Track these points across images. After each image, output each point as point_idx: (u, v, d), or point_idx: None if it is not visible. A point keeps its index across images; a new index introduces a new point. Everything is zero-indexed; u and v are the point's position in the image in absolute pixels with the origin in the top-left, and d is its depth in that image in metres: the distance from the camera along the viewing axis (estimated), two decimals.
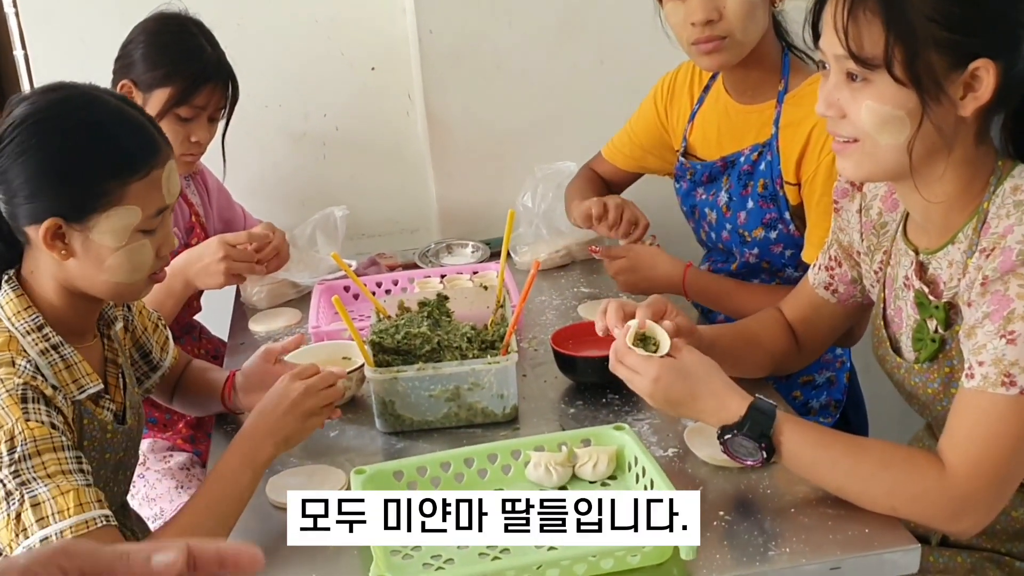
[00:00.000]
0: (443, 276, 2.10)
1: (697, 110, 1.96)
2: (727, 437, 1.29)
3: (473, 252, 2.35)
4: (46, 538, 1.16)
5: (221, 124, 2.05)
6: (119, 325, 1.47)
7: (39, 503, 1.17)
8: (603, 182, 2.18)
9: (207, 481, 1.33)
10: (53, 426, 1.21)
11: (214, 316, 2.30)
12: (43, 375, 1.26)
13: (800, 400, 1.91)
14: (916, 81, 1.19)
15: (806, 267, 1.66)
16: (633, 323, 1.37)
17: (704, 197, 1.93)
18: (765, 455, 1.28)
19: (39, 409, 1.21)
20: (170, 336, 1.63)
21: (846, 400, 1.96)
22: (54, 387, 1.27)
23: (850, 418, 1.97)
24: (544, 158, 2.37)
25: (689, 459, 1.42)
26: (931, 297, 1.31)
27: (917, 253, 1.35)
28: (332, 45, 2.52)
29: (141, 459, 1.92)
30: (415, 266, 2.30)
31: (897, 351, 1.41)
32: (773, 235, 1.82)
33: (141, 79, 1.90)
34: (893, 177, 1.28)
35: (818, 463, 1.27)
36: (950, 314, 1.29)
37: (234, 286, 2.11)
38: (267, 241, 1.96)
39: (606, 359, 1.45)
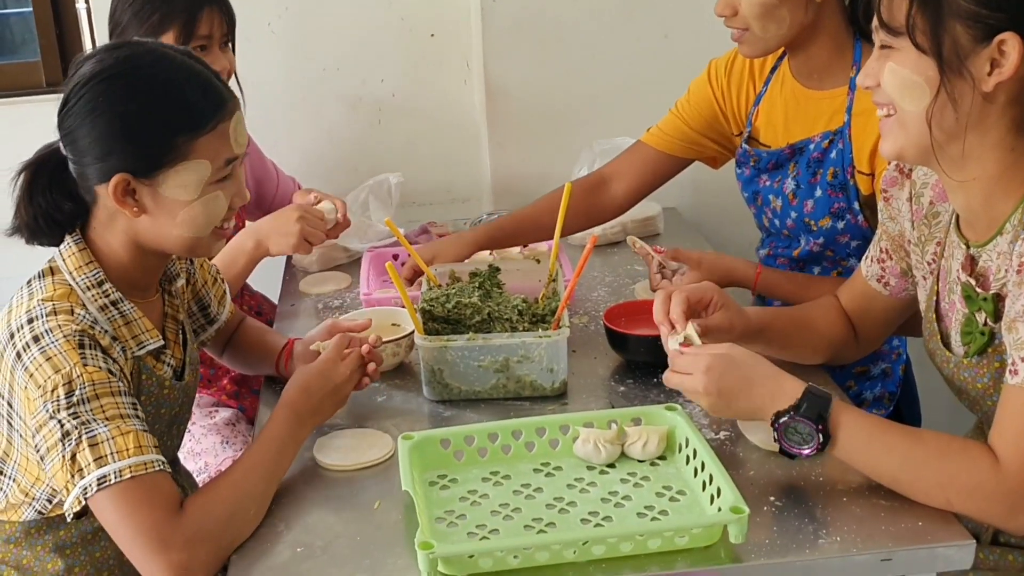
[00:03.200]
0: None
1: (763, 94, 1.91)
2: (783, 420, 1.26)
3: None
4: (104, 476, 1.17)
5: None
6: (180, 281, 1.48)
7: (97, 443, 1.18)
8: (600, 191, 2.03)
9: (256, 443, 1.34)
10: (111, 372, 1.22)
11: (264, 277, 2.30)
12: (102, 327, 1.27)
13: (854, 391, 1.87)
14: (937, 50, 1.19)
15: None
16: (682, 333, 1.37)
17: (769, 184, 1.89)
18: (822, 439, 1.25)
19: (96, 355, 1.22)
20: (228, 290, 1.64)
21: (900, 393, 1.92)
22: (113, 338, 1.27)
23: (903, 412, 1.93)
24: (602, 133, 2.35)
25: (741, 443, 1.40)
26: (979, 290, 1.28)
27: (968, 247, 1.32)
28: (392, 10, 2.51)
29: None
30: None
31: (947, 345, 1.37)
32: (840, 225, 1.78)
33: (142, 36, 1.88)
34: (922, 152, 1.26)
35: (873, 450, 1.24)
36: (999, 306, 1.26)
37: None
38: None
39: (659, 338, 1.44)
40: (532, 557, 1.16)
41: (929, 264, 1.43)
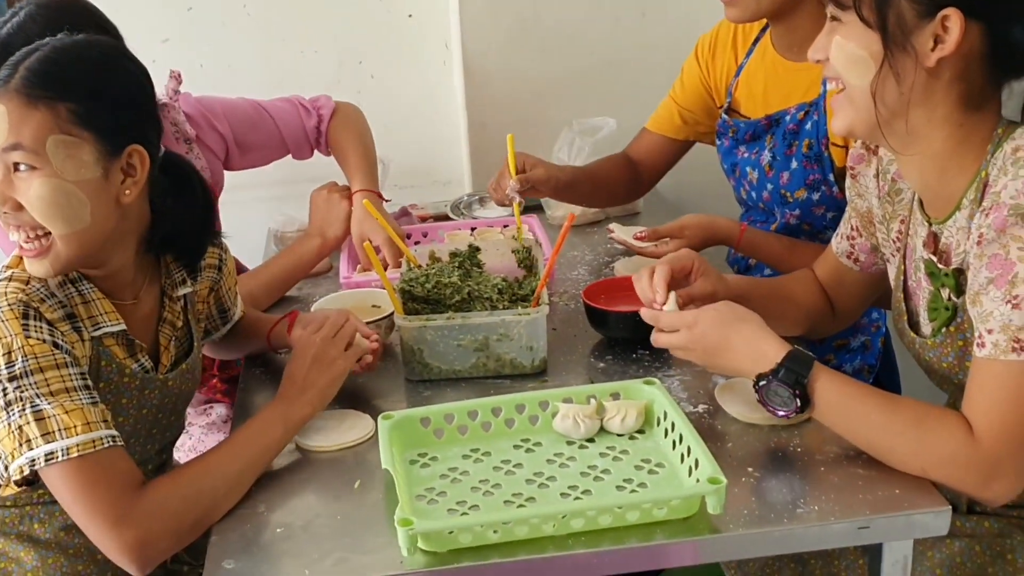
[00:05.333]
0: (473, 228, 2.08)
1: (744, 65, 1.92)
2: (762, 384, 1.28)
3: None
4: (51, 453, 1.17)
5: None
6: (187, 288, 1.45)
7: (43, 418, 1.18)
8: (631, 166, 2.08)
9: (240, 429, 1.34)
10: (56, 345, 1.21)
11: (246, 258, 2.30)
12: (57, 302, 1.25)
13: (833, 363, 1.88)
14: (882, 24, 1.20)
15: None
16: (670, 300, 1.40)
17: (746, 156, 1.90)
18: (799, 403, 1.26)
19: (40, 327, 1.21)
20: (239, 291, 1.64)
21: (879, 366, 1.94)
22: (69, 315, 1.26)
23: (883, 384, 1.94)
24: (581, 112, 2.35)
25: (719, 416, 1.41)
26: (940, 265, 1.29)
27: (930, 224, 1.33)
28: None
29: None
30: (447, 218, 2.28)
31: (915, 325, 1.39)
32: (816, 196, 1.79)
33: None
34: (870, 128, 1.27)
35: (851, 416, 1.25)
36: (960, 281, 1.27)
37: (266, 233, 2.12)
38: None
39: (638, 314, 1.45)
40: (511, 531, 1.16)
41: (895, 242, 1.43)
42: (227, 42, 2.52)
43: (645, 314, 1.39)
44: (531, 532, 1.16)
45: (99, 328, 1.30)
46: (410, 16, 2.53)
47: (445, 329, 1.53)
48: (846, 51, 1.25)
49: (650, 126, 2.09)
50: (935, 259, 1.31)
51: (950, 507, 1.20)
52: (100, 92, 1.26)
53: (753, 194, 1.90)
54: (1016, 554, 1.32)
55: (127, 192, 1.28)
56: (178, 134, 1.93)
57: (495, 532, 1.16)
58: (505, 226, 2.09)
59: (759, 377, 1.29)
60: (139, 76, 1.32)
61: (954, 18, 1.18)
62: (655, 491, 1.24)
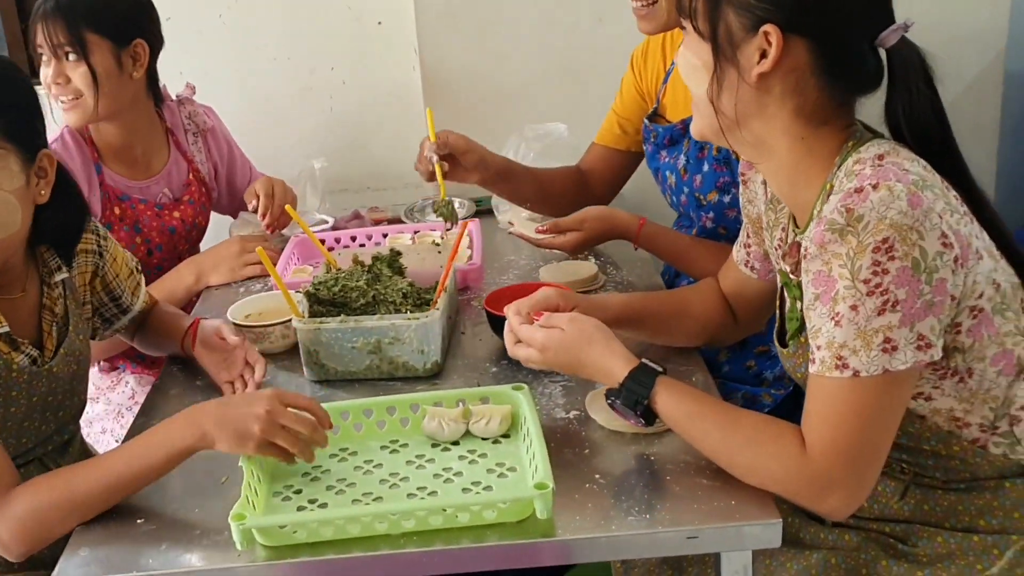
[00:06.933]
0: (416, 232, 2.13)
1: (671, 71, 1.94)
2: (610, 401, 1.32)
3: (459, 208, 2.37)
4: None
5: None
6: (63, 275, 1.51)
7: None
8: (579, 178, 2.09)
9: (129, 444, 1.34)
10: None
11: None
12: None
13: (754, 370, 1.89)
14: (713, 36, 1.22)
15: None
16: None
17: (667, 160, 1.91)
18: (643, 421, 1.29)
19: None
20: (143, 282, 1.72)
21: None
22: None
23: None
24: (538, 117, 2.38)
25: (588, 423, 1.43)
26: (791, 276, 1.29)
27: (796, 233, 1.33)
28: None
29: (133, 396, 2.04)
30: (400, 221, 2.34)
31: (782, 335, 1.39)
32: (727, 199, 1.80)
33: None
34: (717, 135, 1.29)
35: (692, 432, 1.28)
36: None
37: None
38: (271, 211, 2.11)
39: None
40: (345, 529, 1.21)
41: (777, 250, 1.44)
42: (203, 50, 2.61)
43: (510, 322, 1.42)
44: (364, 530, 1.21)
45: None
46: (380, 23, 2.59)
47: (339, 332, 1.58)
48: (685, 59, 1.29)
49: (596, 139, 2.13)
50: (788, 268, 1.32)
51: (779, 520, 1.21)
52: (15, 105, 1.37)
53: (674, 198, 1.92)
54: (870, 569, 1.32)
55: (42, 193, 1.40)
56: (189, 125, 2.19)
57: (330, 529, 1.21)
58: (415, 232, 2.13)
59: (608, 393, 1.32)
60: (30, 84, 1.42)
61: (774, 34, 1.19)
62: (485, 495, 1.27)
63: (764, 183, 1.46)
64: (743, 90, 1.22)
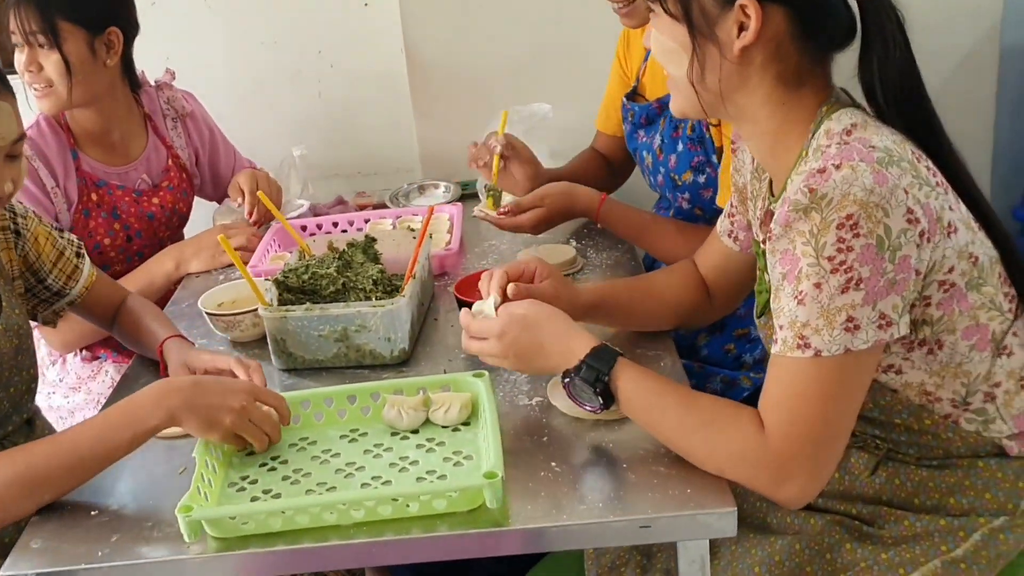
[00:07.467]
0: (397, 217, 2.12)
1: (651, 52, 1.91)
2: (567, 380, 1.30)
3: (444, 193, 2.35)
4: None
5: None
6: None
7: None
8: (600, 156, 2.15)
9: (96, 418, 1.33)
10: None
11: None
12: None
13: (733, 354, 1.86)
14: (687, 16, 1.20)
15: None
16: (488, 300, 1.40)
17: (644, 140, 1.89)
18: (602, 400, 1.27)
19: None
20: (84, 267, 1.67)
21: None
22: None
23: None
24: (523, 98, 2.33)
25: (550, 410, 1.41)
26: (762, 244, 1.27)
27: (771, 202, 1.31)
28: None
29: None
30: (385, 206, 2.32)
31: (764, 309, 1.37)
32: (702, 179, 1.77)
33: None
34: (699, 112, 1.28)
35: (651, 412, 1.25)
36: None
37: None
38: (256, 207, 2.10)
39: None
40: (294, 520, 1.20)
41: (759, 221, 1.41)
42: (190, 36, 2.60)
43: (462, 319, 1.40)
44: (313, 521, 1.20)
45: None
46: (366, 5, 2.57)
47: (304, 320, 1.57)
48: (660, 43, 1.26)
49: (598, 124, 2.14)
50: (762, 238, 1.29)
51: (735, 508, 1.19)
52: None
53: (651, 179, 1.89)
54: (834, 553, 1.30)
55: None
56: (168, 110, 2.19)
57: (279, 520, 1.20)
58: (398, 217, 2.12)
59: (565, 374, 1.30)
60: None
61: (751, 5, 1.17)
62: (432, 484, 1.26)
63: None
64: (725, 66, 1.21)
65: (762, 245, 1.29)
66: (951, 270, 1.17)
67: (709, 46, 1.21)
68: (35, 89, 1.94)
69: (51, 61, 1.91)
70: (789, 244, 1.15)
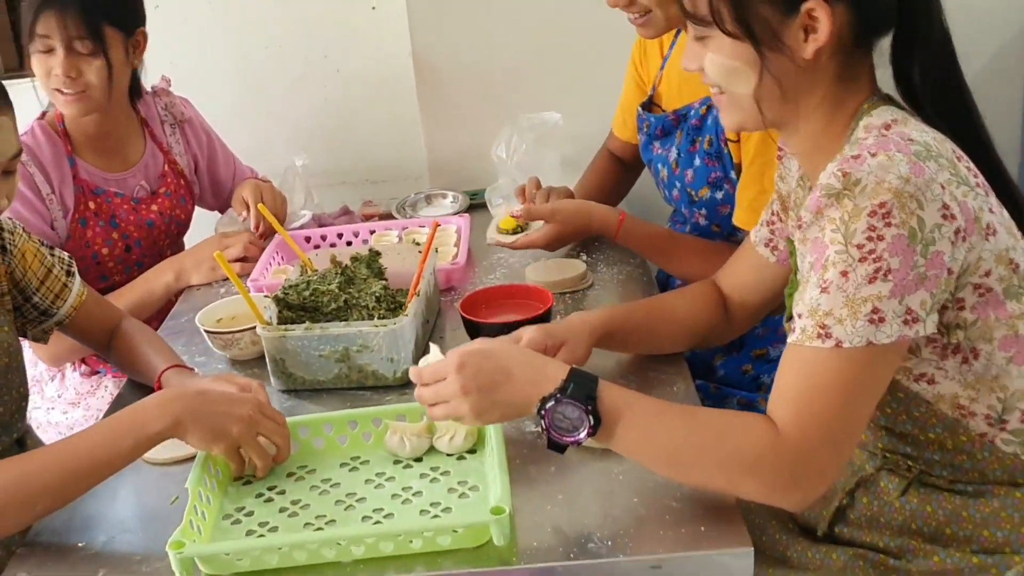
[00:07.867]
0: (403, 229, 2.06)
1: (668, 58, 1.86)
2: (549, 405, 1.16)
3: (452, 203, 2.30)
4: None
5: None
6: None
7: None
8: (616, 160, 2.11)
9: (93, 428, 1.28)
10: None
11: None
12: None
13: (751, 375, 1.80)
14: (749, 33, 1.15)
15: None
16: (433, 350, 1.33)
17: (660, 152, 1.83)
18: (592, 421, 1.15)
19: None
20: (73, 286, 1.60)
21: None
22: None
23: None
24: (532, 106, 2.30)
25: None
26: (799, 245, 1.23)
27: None
28: None
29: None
30: (391, 216, 2.27)
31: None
32: (719, 195, 1.71)
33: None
34: (760, 126, 1.24)
35: (653, 435, 1.15)
36: None
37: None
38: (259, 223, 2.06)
39: (511, 325, 1.42)
40: (291, 556, 1.15)
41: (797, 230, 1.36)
42: (194, 40, 2.55)
43: (411, 374, 1.26)
44: (311, 558, 1.15)
45: None
46: (373, 8, 2.52)
47: (304, 339, 1.52)
48: (721, 65, 1.20)
49: (614, 129, 2.09)
50: (796, 237, 1.24)
51: (751, 548, 1.13)
52: None
53: (667, 193, 1.84)
54: None
55: None
56: (166, 116, 2.15)
57: (275, 557, 1.15)
58: (404, 229, 2.06)
59: (544, 400, 1.17)
60: None
61: (819, 9, 1.13)
62: (439, 520, 1.20)
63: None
64: (796, 72, 1.17)
65: (799, 247, 1.24)
66: (988, 274, 1.12)
67: (778, 56, 1.16)
68: (66, 93, 1.89)
69: (93, 66, 1.87)
70: (819, 232, 1.11)
